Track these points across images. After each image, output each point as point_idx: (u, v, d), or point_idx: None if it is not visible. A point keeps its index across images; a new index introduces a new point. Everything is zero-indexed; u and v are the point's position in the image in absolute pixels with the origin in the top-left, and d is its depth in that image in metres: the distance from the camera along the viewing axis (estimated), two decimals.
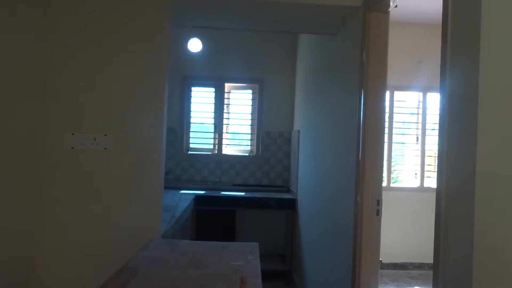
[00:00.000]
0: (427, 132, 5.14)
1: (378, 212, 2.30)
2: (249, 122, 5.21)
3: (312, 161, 3.79)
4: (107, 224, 2.28)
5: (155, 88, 2.32)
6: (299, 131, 4.53)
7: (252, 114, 5.20)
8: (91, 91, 2.30)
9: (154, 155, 2.32)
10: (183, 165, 5.07)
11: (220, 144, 5.12)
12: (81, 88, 2.29)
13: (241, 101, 5.29)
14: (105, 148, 2.29)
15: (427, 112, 5.14)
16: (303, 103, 4.39)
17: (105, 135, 2.29)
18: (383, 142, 2.37)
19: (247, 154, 5.14)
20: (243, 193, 4.75)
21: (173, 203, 3.74)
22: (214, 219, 5.01)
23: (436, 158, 1.99)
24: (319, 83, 3.58)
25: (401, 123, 5.23)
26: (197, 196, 4.46)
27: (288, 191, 5.02)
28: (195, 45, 4.98)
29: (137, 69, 2.31)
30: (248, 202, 4.51)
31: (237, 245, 2.10)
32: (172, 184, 4.94)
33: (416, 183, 5.12)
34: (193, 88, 5.18)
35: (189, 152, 5.07)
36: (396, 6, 2.22)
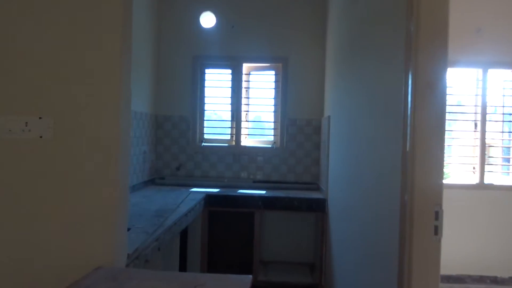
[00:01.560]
0: (488, 117, 4.22)
1: (437, 231, 1.52)
2: (272, 109, 4.47)
3: (345, 153, 3.03)
4: (33, 246, 1.63)
5: (108, 53, 1.63)
6: (329, 117, 3.75)
7: (275, 99, 4.46)
8: (20, 58, 1.64)
9: (111, 146, 1.65)
10: (196, 158, 4.42)
11: (238, 135, 4.42)
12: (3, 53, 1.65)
13: (262, 84, 4.56)
14: (41, 137, 1.63)
15: (488, 92, 4.21)
16: (335, 84, 3.62)
17: (40, 118, 1.63)
18: (443, 129, 1.58)
19: (270, 146, 4.41)
20: (263, 192, 4.04)
21: (172, 205, 3.08)
22: (229, 222, 4.35)
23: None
24: (353, 59, 2.79)
25: (455, 106, 4.33)
26: (208, 195, 3.79)
27: (318, 189, 4.26)
28: (207, 19, 4.29)
29: (81, 25, 1.63)
30: (269, 202, 3.80)
31: (219, 280, 1.40)
32: (184, 180, 4.31)
33: (474, 179, 4.22)
34: (206, 70, 4.50)
35: (203, 144, 4.41)
36: None
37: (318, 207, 3.78)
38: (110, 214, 1.63)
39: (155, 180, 4.30)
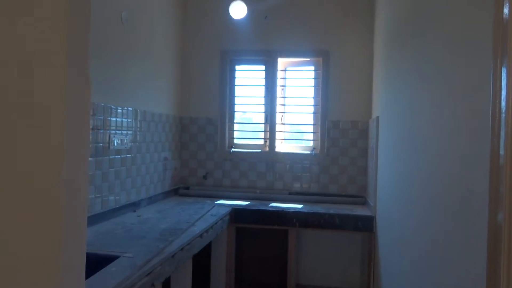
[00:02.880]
0: None
1: None
2: (311, 109, 3.89)
3: (397, 161, 2.40)
4: None
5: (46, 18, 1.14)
6: (378, 118, 3.12)
7: (315, 98, 3.87)
8: None
9: (47, 147, 1.14)
10: (224, 166, 3.92)
11: (272, 139, 3.87)
12: None
13: (300, 81, 3.99)
14: None
15: None
16: (385, 80, 2.98)
17: None
18: None
19: (309, 152, 3.83)
20: (300, 206, 3.46)
21: (186, 224, 2.58)
22: (259, 240, 3.80)
23: None
24: (412, 49, 2.17)
25: None
26: (235, 209, 3.27)
27: (365, 203, 3.62)
28: (238, 9, 3.78)
29: None
30: (306, 219, 3.21)
31: None
32: (210, 191, 3.81)
33: None
34: (236, 67, 4.00)
35: (233, 150, 3.90)
36: None
37: (365, 226, 3.15)
38: (53, 244, 1.13)
39: (179, 190, 3.84)
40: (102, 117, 2.57)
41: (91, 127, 2.43)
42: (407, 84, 2.19)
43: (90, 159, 2.44)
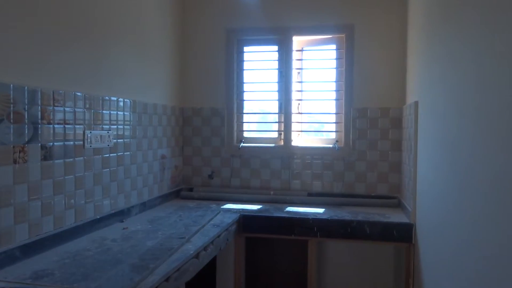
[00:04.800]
0: None
1: None
2: (333, 96, 3.31)
3: (446, 154, 1.82)
4: None
5: None
6: (416, 104, 2.53)
7: (337, 82, 3.29)
8: None
9: None
10: (233, 164, 3.38)
11: (288, 132, 3.32)
12: None
13: (319, 63, 3.41)
14: None
15: None
16: (426, 57, 2.39)
17: None
18: None
19: (331, 146, 3.26)
20: (321, 210, 2.91)
21: (179, 240, 2.07)
22: (273, 250, 3.28)
23: None
24: (466, 15, 1.58)
25: None
26: (244, 216, 2.74)
27: (399, 205, 3.04)
28: None
29: None
30: (329, 227, 2.66)
31: None
32: (217, 192, 3.29)
33: None
34: (245, 48, 3.44)
35: (242, 145, 3.36)
36: None
37: (402, 235, 2.58)
38: None
39: (182, 192, 3.33)
40: (72, 109, 2.06)
41: (54, 121, 1.93)
42: (461, 59, 1.60)
43: (56, 161, 1.94)
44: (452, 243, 1.71)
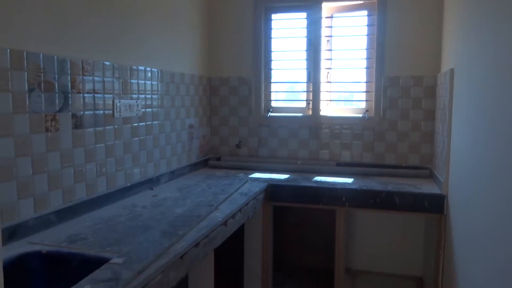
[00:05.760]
0: None
1: None
2: (364, 64, 3.21)
3: (486, 125, 1.75)
4: None
5: None
6: (451, 71, 2.42)
7: (368, 50, 3.18)
8: None
9: None
10: (261, 133, 3.37)
11: (316, 101, 3.26)
12: None
13: (350, 30, 3.29)
14: None
15: None
16: (464, 22, 2.26)
17: None
18: None
19: (361, 116, 3.19)
20: (350, 180, 2.87)
21: (207, 207, 2.09)
22: (301, 219, 3.30)
23: None
24: None
25: None
26: (271, 185, 2.75)
27: (430, 176, 2.97)
28: None
29: None
30: (358, 197, 2.63)
31: None
32: (245, 162, 3.30)
33: None
34: (273, 16, 3.36)
35: (270, 114, 3.34)
36: None
37: (433, 207, 2.52)
38: None
39: (209, 161, 3.36)
40: (101, 79, 2.07)
41: (83, 90, 1.95)
42: (505, 25, 1.50)
43: (87, 130, 1.98)
44: (486, 216, 1.66)
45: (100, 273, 1.31)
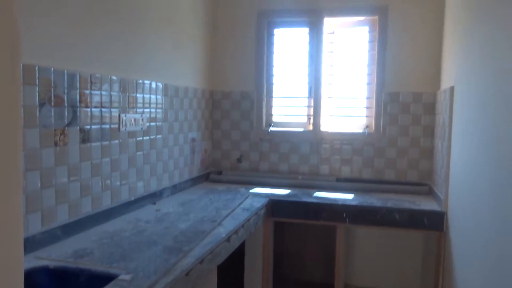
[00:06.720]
0: None
1: None
2: (365, 80, 3.26)
3: (485, 142, 1.78)
4: None
5: None
6: (451, 89, 2.47)
7: (369, 66, 3.23)
8: None
9: None
10: (261, 148, 3.39)
11: (317, 116, 3.29)
12: None
13: (351, 46, 3.34)
14: None
15: None
16: (464, 40, 2.31)
17: None
18: None
19: (361, 131, 3.22)
20: (350, 196, 2.90)
21: (211, 222, 2.10)
22: (301, 235, 3.31)
23: None
24: None
25: None
26: (272, 200, 2.76)
27: (430, 192, 3.00)
28: None
29: None
30: (358, 213, 2.65)
31: None
32: (246, 176, 3.32)
33: None
34: (275, 30, 3.40)
35: (271, 129, 3.36)
36: None
37: (432, 224, 2.55)
38: None
39: (210, 175, 3.37)
40: (108, 93, 2.10)
41: (91, 104, 1.97)
42: (505, 44, 1.54)
43: (93, 144, 1.99)
44: (485, 234, 1.68)
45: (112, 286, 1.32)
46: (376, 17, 3.14)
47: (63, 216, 1.81)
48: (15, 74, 0.73)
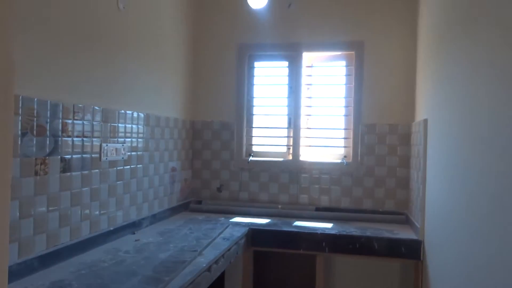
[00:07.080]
0: None
1: None
2: (342, 111, 3.36)
3: (457, 173, 1.86)
4: None
5: None
6: (425, 121, 2.57)
7: (346, 98, 3.34)
8: None
9: None
10: (241, 177, 3.42)
11: (296, 147, 3.36)
12: None
13: (329, 79, 3.46)
14: None
15: None
16: (436, 75, 2.44)
17: None
18: None
19: (339, 161, 3.29)
20: (329, 225, 2.93)
21: (191, 253, 2.09)
22: (281, 264, 3.30)
23: None
24: (479, 33, 1.63)
25: None
26: (252, 229, 2.77)
27: (406, 221, 3.06)
28: None
29: None
30: (337, 242, 2.68)
31: None
32: (226, 206, 3.33)
33: None
34: (256, 64, 3.50)
35: (251, 159, 3.40)
36: None
37: (410, 252, 2.60)
38: None
39: (190, 204, 3.36)
40: (90, 122, 2.11)
41: (73, 133, 1.98)
42: (473, 78, 1.65)
43: (74, 173, 1.99)
44: (462, 262, 1.73)
45: None
46: (353, 52, 3.27)
47: (40, 247, 1.78)
48: (9, 103, 0.75)
